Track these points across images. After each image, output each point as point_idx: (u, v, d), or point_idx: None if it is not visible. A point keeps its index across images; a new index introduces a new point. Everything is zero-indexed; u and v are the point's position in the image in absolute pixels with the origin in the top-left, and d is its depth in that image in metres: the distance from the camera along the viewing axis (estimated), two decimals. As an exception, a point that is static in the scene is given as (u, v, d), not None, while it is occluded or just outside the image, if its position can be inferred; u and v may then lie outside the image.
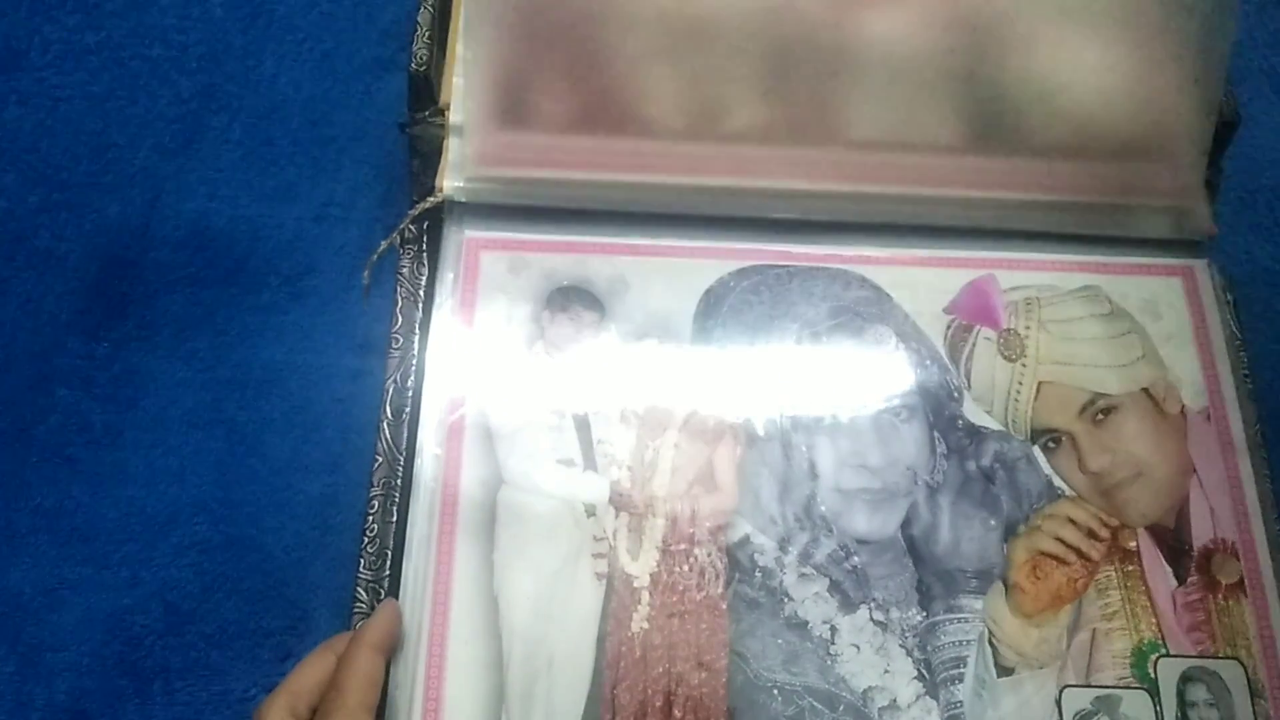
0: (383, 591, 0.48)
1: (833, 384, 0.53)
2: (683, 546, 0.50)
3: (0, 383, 0.61)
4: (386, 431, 0.51)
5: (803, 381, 0.53)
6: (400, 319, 0.54)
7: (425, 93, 0.56)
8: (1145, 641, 0.50)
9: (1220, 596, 0.51)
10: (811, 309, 0.55)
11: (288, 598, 0.57)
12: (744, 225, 0.57)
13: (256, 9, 0.72)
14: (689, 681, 0.47)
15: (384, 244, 0.55)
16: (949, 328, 0.55)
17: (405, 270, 0.55)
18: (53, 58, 0.70)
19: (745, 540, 0.50)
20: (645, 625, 0.48)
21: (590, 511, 0.50)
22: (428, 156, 0.56)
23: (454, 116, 0.56)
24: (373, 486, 0.51)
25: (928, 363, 0.54)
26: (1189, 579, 0.51)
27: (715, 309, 0.55)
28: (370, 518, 0.50)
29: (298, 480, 0.60)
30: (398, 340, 0.53)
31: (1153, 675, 0.49)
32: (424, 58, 0.55)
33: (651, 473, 0.51)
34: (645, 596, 0.49)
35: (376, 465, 0.50)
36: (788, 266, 0.56)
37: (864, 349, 0.54)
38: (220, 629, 0.57)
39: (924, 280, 0.56)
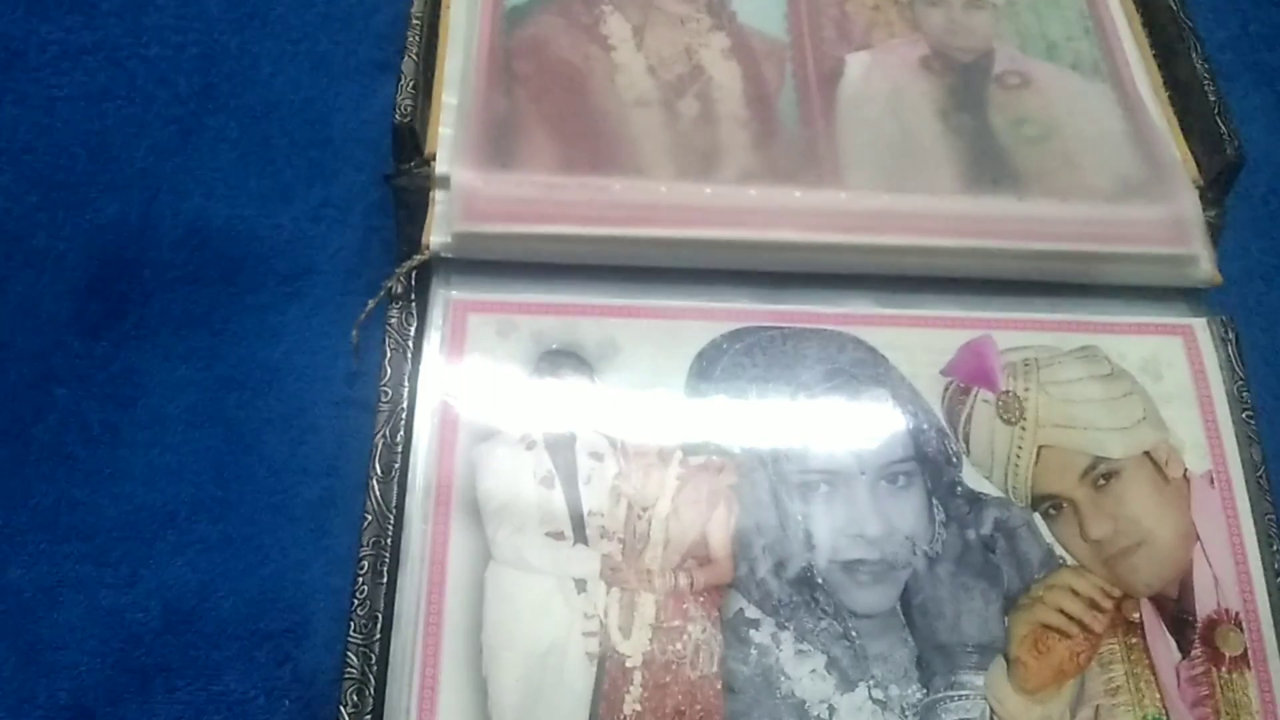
0: (373, 658, 0.47)
1: (829, 450, 0.52)
2: (677, 623, 0.48)
3: (-1, 382, 0.61)
4: (376, 489, 0.50)
5: (798, 448, 0.52)
6: (389, 372, 0.52)
7: (410, 144, 0.55)
8: (1149, 717, 0.49)
9: (1224, 669, 0.50)
10: (806, 372, 0.54)
11: (286, 599, 0.57)
12: (736, 280, 0.55)
13: (253, 10, 0.73)
14: (684, 765, 0.46)
15: (371, 303, 0.54)
16: (946, 390, 0.54)
17: (394, 322, 0.54)
18: (50, 58, 0.71)
19: (740, 615, 0.49)
20: (638, 707, 0.47)
21: (581, 587, 0.49)
22: (413, 208, 0.55)
23: (440, 167, 0.54)
24: (362, 546, 0.49)
25: (925, 427, 0.53)
26: (1193, 651, 0.50)
27: (708, 372, 0.53)
28: (360, 579, 0.48)
29: (295, 482, 0.60)
30: (386, 394, 0.52)
31: (1158, 752, 0.48)
32: (408, 108, 0.54)
33: (644, 545, 0.50)
34: (638, 677, 0.47)
35: (366, 524, 0.49)
36: (781, 328, 0.55)
37: (860, 413, 0.53)
38: (219, 628, 0.57)
39: (920, 341, 0.55)
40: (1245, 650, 0.50)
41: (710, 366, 0.54)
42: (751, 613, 0.49)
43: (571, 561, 0.49)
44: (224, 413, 0.61)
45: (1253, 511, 0.52)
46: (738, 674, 0.48)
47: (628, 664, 0.47)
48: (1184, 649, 0.50)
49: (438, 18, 0.60)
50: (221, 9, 0.73)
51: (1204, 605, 0.51)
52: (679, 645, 0.48)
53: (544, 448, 0.51)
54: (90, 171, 0.67)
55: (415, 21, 0.58)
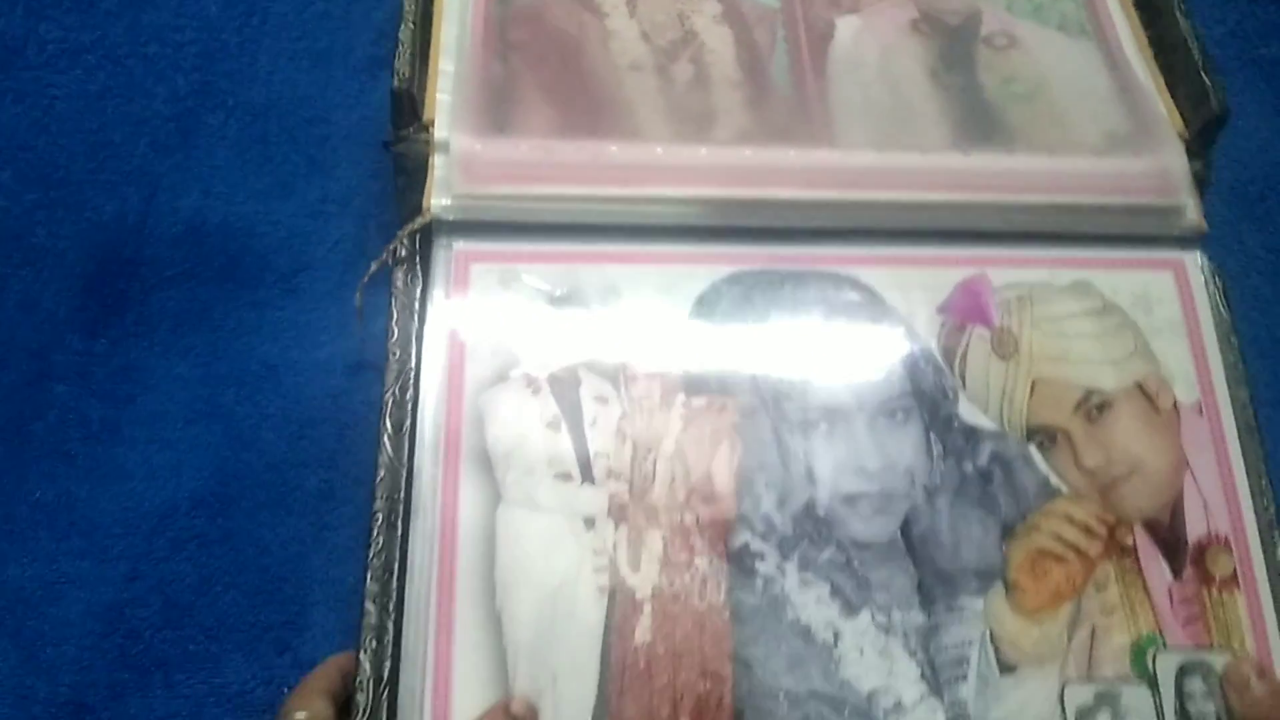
0: (390, 606, 0.48)
1: (828, 388, 0.53)
2: (683, 556, 0.50)
3: (-2, 379, 0.62)
4: (388, 446, 0.51)
5: (798, 386, 0.53)
6: (396, 332, 0.53)
7: (409, 109, 0.55)
8: (1143, 636, 0.50)
9: (1215, 590, 0.51)
10: (805, 312, 0.55)
11: (285, 592, 0.58)
12: (732, 236, 0.56)
13: (251, 7, 0.73)
14: (695, 690, 0.48)
15: (374, 265, 0.55)
16: (942, 328, 0.55)
17: (399, 284, 0.55)
18: (49, 56, 0.71)
19: (745, 548, 0.50)
20: (649, 636, 0.48)
21: (590, 525, 0.50)
22: (413, 174, 0.56)
23: (439, 132, 0.55)
24: (376, 499, 0.50)
25: (922, 364, 0.54)
26: (1184, 573, 0.51)
27: (709, 315, 0.55)
28: (375, 531, 0.49)
29: (294, 475, 0.60)
30: (395, 353, 0.53)
31: (1151, 669, 0.50)
32: (406, 74, 0.55)
33: (650, 484, 0.51)
34: (647, 608, 0.49)
35: (380, 479, 0.50)
36: (779, 271, 0.56)
37: (858, 351, 0.54)
38: (219, 622, 0.57)
39: (916, 281, 0.56)
40: (1235, 571, 0.51)
41: (710, 309, 0.55)
42: (756, 545, 0.50)
43: (580, 501, 0.50)
44: (223, 409, 0.62)
45: (1240, 440, 0.54)
46: (744, 603, 0.49)
47: (637, 596, 0.49)
48: (1176, 571, 0.51)
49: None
50: (220, 7, 0.72)
51: (1194, 529, 0.52)
52: (686, 578, 0.49)
53: (550, 392, 0.52)
54: (89, 169, 0.67)
55: (412, -9, 0.58)
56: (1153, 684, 0.49)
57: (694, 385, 0.53)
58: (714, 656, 0.48)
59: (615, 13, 0.61)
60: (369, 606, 0.47)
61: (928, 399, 0.54)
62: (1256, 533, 0.52)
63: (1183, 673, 0.50)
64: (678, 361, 0.53)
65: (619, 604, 0.49)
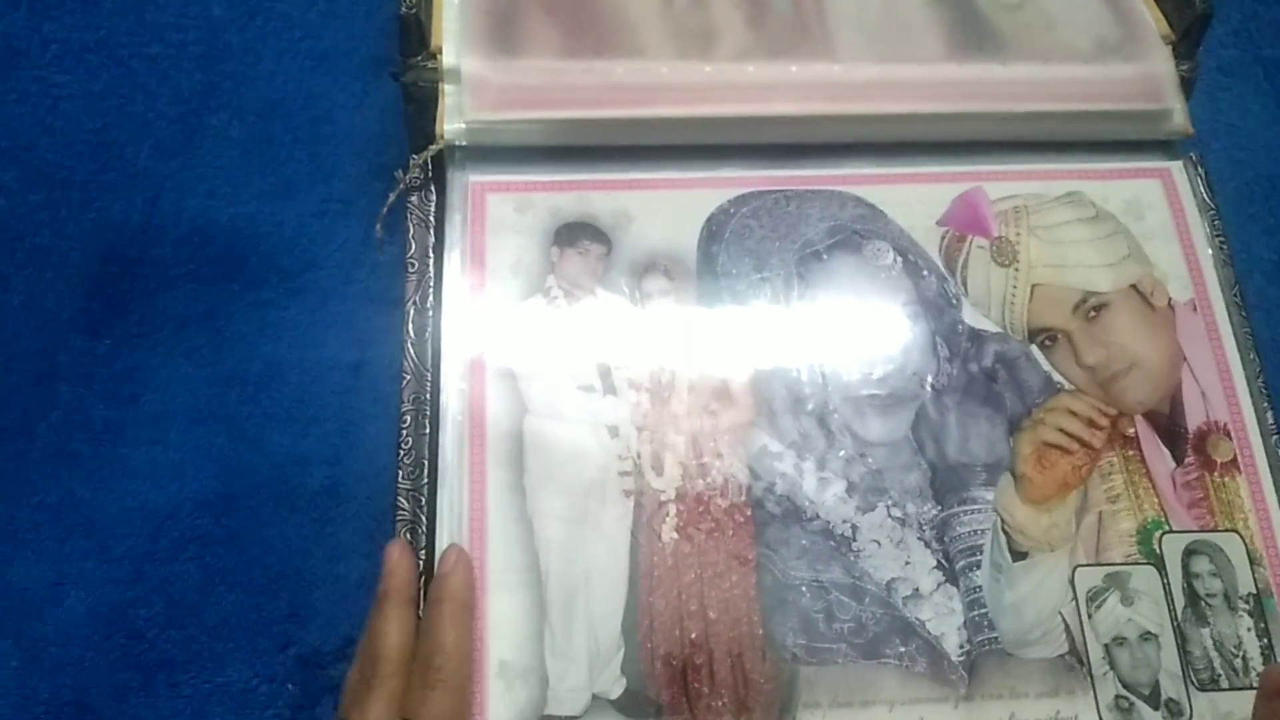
0: (423, 499, 0.50)
1: (837, 298, 0.55)
2: (705, 460, 0.52)
3: (2, 380, 0.62)
4: (411, 350, 0.52)
5: (808, 297, 0.55)
6: (414, 245, 0.55)
7: (416, 36, 0.56)
8: (1149, 520, 0.52)
9: (1216, 474, 0.53)
10: (810, 229, 0.57)
11: (289, 590, 0.58)
12: (739, 153, 0.58)
13: (255, 7, 0.72)
14: (720, 585, 0.49)
15: (392, 196, 0.56)
16: (943, 239, 0.57)
17: (415, 201, 0.56)
18: (52, 56, 0.70)
19: (764, 450, 0.52)
20: (675, 535, 0.50)
21: (614, 433, 0.52)
22: (422, 104, 0.57)
23: (447, 59, 0.56)
24: (403, 402, 0.52)
25: (926, 273, 0.56)
26: (1186, 460, 0.53)
27: (717, 235, 0.56)
28: (404, 431, 0.51)
29: (298, 474, 0.60)
30: (413, 265, 0.54)
31: (1158, 551, 0.52)
32: (413, 2, 0.56)
33: (669, 393, 0.53)
34: (672, 509, 0.51)
35: (405, 382, 0.51)
36: (784, 191, 0.58)
37: (864, 263, 0.56)
38: (223, 621, 0.57)
39: (915, 196, 0.58)
40: (1234, 456, 0.53)
41: (719, 229, 0.57)
42: (774, 447, 0.52)
43: (603, 410, 0.52)
44: (227, 409, 0.61)
45: (1233, 332, 0.56)
46: (765, 501, 0.51)
47: (662, 498, 0.51)
48: (1178, 458, 0.53)
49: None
50: (223, 7, 0.72)
51: (1194, 418, 0.54)
52: (708, 480, 0.51)
53: (569, 309, 0.54)
54: (93, 170, 0.67)
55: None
56: (1160, 565, 0.51)
57: (707, 298, 0.55)
58: (737, 553, 0.50)
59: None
60: (402, 502, 0.49)
61: (933, 306, 0.56)
62: (1254, 419, 0.54)
63: (1189, 554, 0.52)
64: (690, 277, 0.55)
65: (645, 505, 0.51)
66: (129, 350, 0.63)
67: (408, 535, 0.49)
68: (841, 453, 0.52)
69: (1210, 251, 0.57)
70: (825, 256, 0.56)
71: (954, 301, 0.56)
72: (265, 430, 0.61)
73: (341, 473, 0.60)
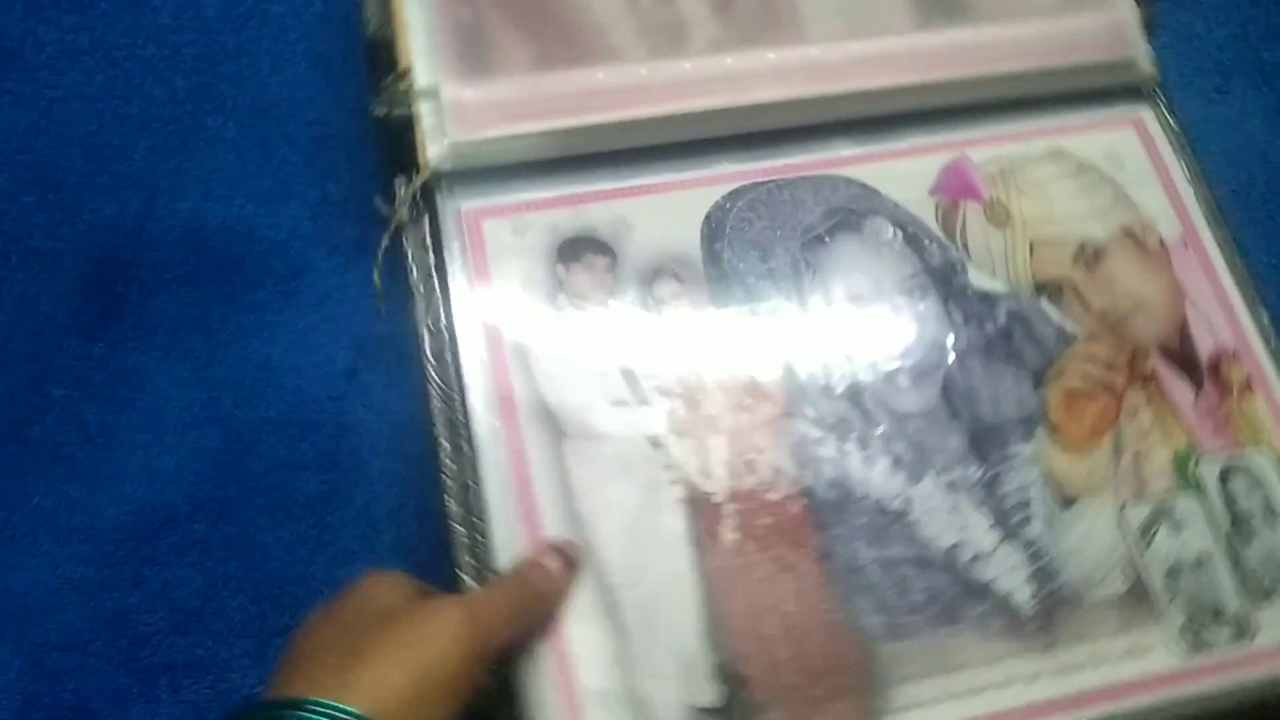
0: (477, 529, 0.48)
1: (845, 277, 0.56)
2: (749, 457, 0.51)
3: (-4, 384, 0.60)
4: (433, 374, 0.50)
5: (818, 281, 0.55)
6: (415, 269, 0.53)
7: (386, 57, 0.54)
8: (1181, 450, 0.54)
9: (1235, 397, 0.55)
10: (808, 215, 0.57)
11: (291, 595, 0.58)
12: (727, 147, 0.58)
13: (250, 9, 0.72)
14: (790, 577, 0.49)
15: (386, 239, 0.55)
16: (937, 209, 0.58)
17: (412, 248, 0.54)
18: (47, 58, 0.69)
19: (804, 439, 0.52)
20: (735, 536, 0.49)
21: (655, 443, 0.51)
22: (400, 135, 0.55)
23: (420, 80, 0.54)
24: (435, 426, 0.50)
25: (928, 243, 0.57)
26: (1205, 387, 0.55)
27: (719, 232, 0.56)
28: (443, 457, 0.49)
29: (294, 478, 0.60)
30: (419, 288, 0.52)
31: (1196, 478, 0.53)
32: (377, 22, 0.54)
33: (701, 395, 0.52)
34: (727, 509, 0.50)
35: (435, 410, 0.49)
36: (775, 180, 0.58)
37: (866, 241, 0.57)
38: (227, 627, 0.57)
39: (904, 170, 0.59)
40: (1248, 377, 0.55)
41: (719, 226, 0.56)
42: (814, 434, 0.52)
43: (639, 422, 0.51)
44: (222, 412, 0.61)
45: (1225, 261, 0.58)
46: (816, 488, 0.51)
47: (714, 500, 0.50)
48: (1197, 387, 0.55)
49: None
50: (218, 9, 0.71)
51: (1204, 347, 0.56)
52: (758, 475, 0.51)
53: (587, 324, 0.53)
54: (87, 172, 0.66)
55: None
56: (1200, 490, 0.53)
57: (719, 296, 0.55)
58: (800, 542, 0.50)
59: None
60: (456, 527, 0.47)
61: (939, 274, 0.56)
62: (1260, 339, 0.56)
63: (1225, 476, 0.53)
64: (699, 278, 0.55)
65: (701, 511, 0.50)
66: (124, 353, 0.62)
67: (468, 558, 0.47)
68: (880, 429, 0.52)
69: (1191, 190, 0.59)
70: (828, 239, 0.56)
71: (959, 267, 0.57)
72: (261, 434, 0.61)
73: (337, 478, 0.60)
